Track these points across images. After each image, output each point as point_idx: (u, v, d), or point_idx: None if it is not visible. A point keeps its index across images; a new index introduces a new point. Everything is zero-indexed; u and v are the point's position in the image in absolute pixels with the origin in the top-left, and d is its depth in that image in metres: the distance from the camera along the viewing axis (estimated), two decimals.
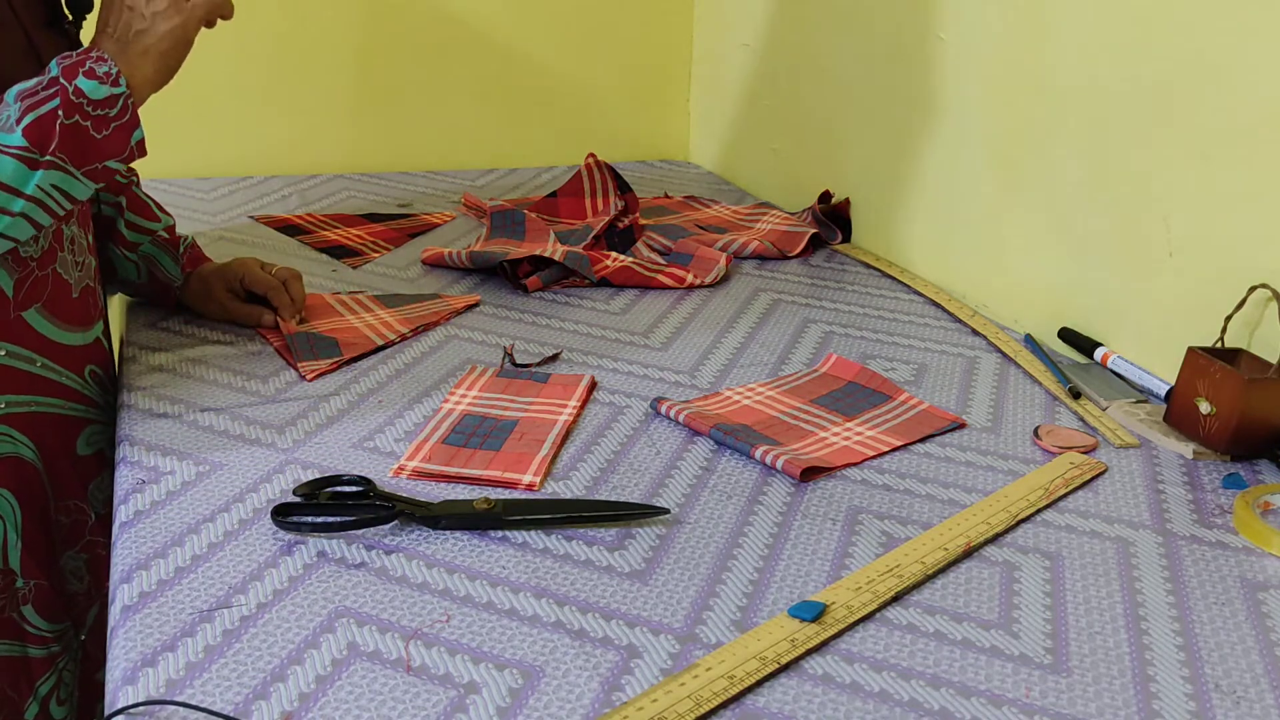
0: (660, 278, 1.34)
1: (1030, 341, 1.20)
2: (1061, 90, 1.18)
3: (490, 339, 1.16)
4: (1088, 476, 0.93)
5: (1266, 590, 0.79)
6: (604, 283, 1.34)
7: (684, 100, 2.01)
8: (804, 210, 1.59)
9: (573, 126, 1.95)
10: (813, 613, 0.72)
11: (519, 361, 1.11)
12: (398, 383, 1.05)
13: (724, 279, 1.38)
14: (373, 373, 1.07)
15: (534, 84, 1.90)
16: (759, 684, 0.67)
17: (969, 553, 0.82)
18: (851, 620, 0.73)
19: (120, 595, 0.73)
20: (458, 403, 1.01)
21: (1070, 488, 0.91)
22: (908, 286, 1.37)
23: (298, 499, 0.84)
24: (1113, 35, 1.11)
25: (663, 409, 1.01)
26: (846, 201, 1.54)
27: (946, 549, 0.81)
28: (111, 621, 0.72)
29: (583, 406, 1.02)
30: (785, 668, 0.68)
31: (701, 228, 1.55)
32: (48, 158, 0.87)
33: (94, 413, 1.05)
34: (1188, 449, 0.97)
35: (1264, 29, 0.95)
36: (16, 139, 0.86)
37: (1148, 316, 1.11)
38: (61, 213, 0.90)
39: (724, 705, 0.65)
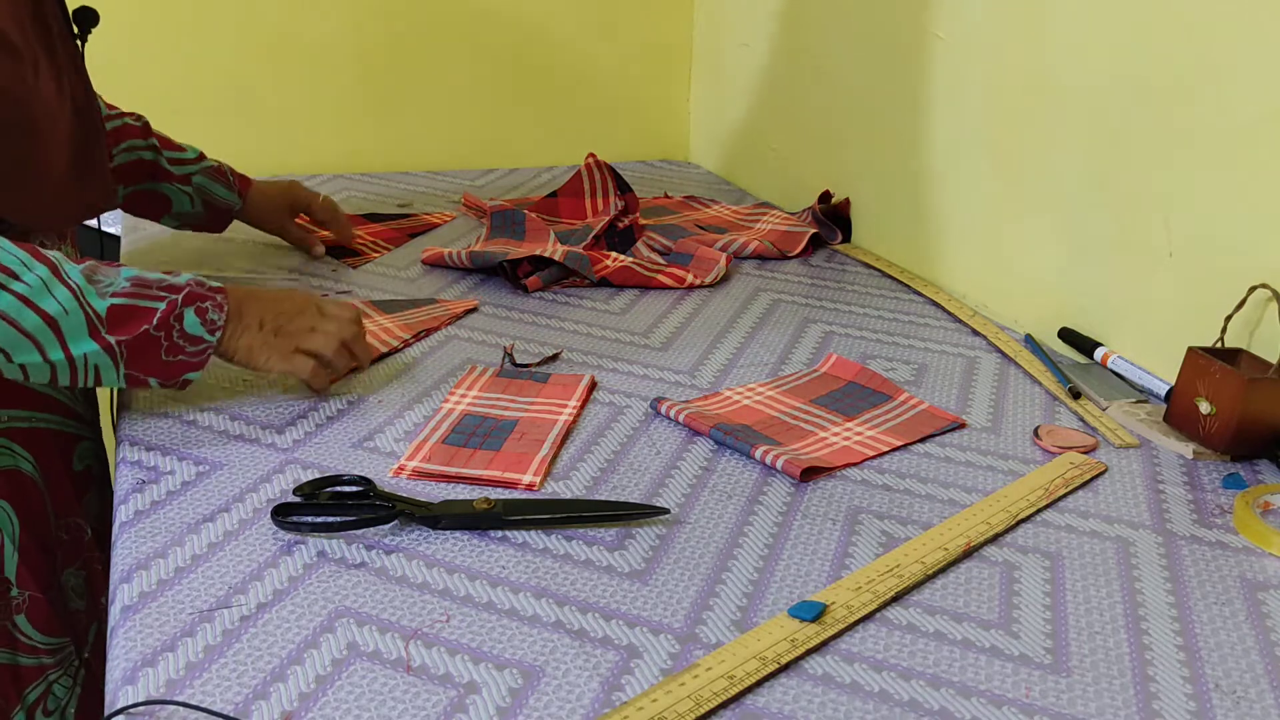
0: (660, 277, 1.34)
1: (1030, 341, 1.20)
2: (1061, 90, 1.18)
3: (490, 339, 1.16)
4: (1088, 476, 0.93)
5: (1266, 590, 0.79)
6: (604, 283, 1.34)
7: (684, 100, 2.01)
8: (804, 210, 1.59)
9: (573, 126, 1.95)
10: (813, 613, 0.72)
11: (519, 361, 1.11)
12: (398, 383, 1.05)
13: (724, 279, 1.38)
14: (373, 373, 1.07)
15: (534, 84, 1.90)
16: (759, 684, 0.67)
17: (969, 553, 0.82)
18: (851, 620, 0.73)
19: (120, 595, 0.73)
20: (458, 403, 1.01)
21: (1070, 488, 0.91)
22: (908, 286, 1.37)
23: (298, 499, 0.84)
24: (1113, 35, 1.11)
25: (663, 409, 1.01)
26: (846, 201, 1.55)
27: (946, 549, 0.81)
28: (111, 621, 0.72)
29: (583, 406, 1.02)
30: (785, 668, 0.68)
31: (701, 228, 1.55)
32: (111, 339, 0.87)
33: (84, 429, 1.07)
34: (1188, 449, 0.97)
35: (1264, 29, 0.95)
36: (100, 306, 0.86)
37: (1148, 316, 1.11)
38: (78, 386, 0.90)
39: (724, 705, 0.65)
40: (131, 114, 1.27)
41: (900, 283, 1.39)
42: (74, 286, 0.86)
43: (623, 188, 1.51)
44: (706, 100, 1.96)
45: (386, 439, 0.95)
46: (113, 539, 0.81)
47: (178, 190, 1.29)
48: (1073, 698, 0.67)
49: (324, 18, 1.75)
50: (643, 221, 1.50)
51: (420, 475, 0.88)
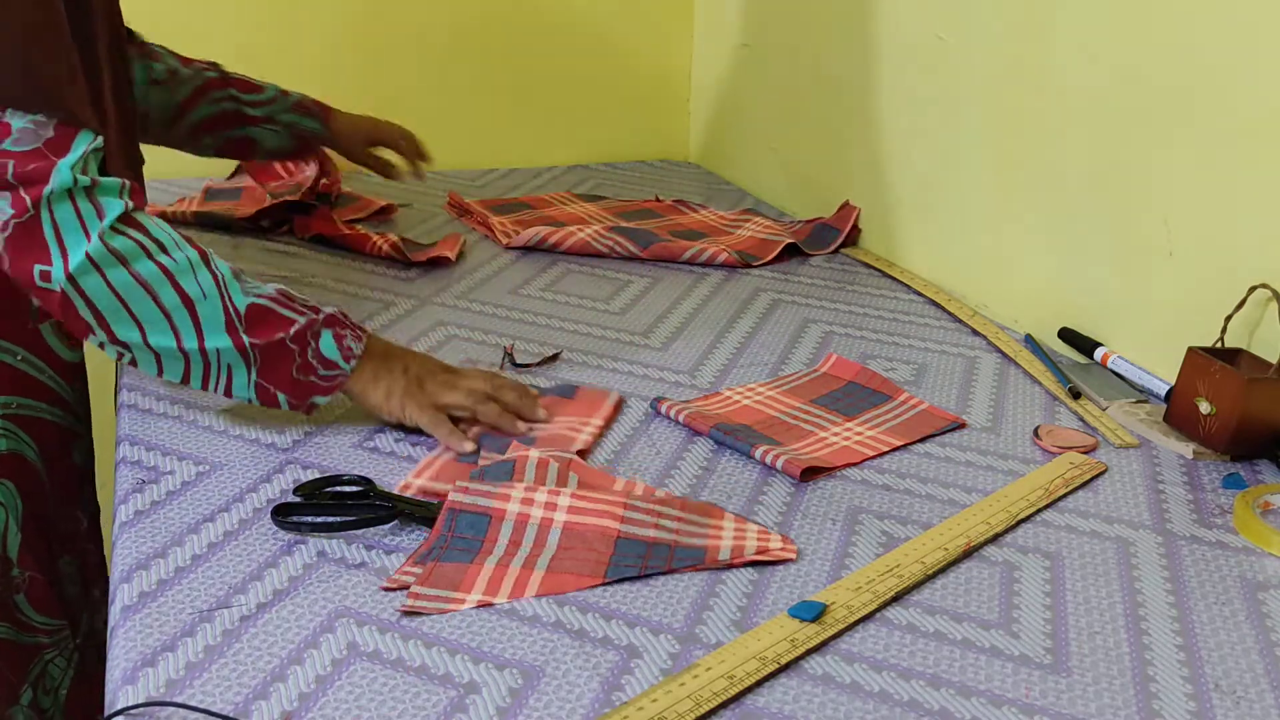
0: (372, 243, 1.39)
1: (1030, 341, 1.20)
2: (1061, 90, 1.18)
3: (490, 339, 1.16)
4: (1088, 476, 0.93)
5: (1266, 590, 0.79)
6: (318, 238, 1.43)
7: (684, 100, 2.01)
8: (793, 222, 1.57)
9: (573, 126, 1.94)
10: (813, 613, 0.72)
11: (519, 361, 1.11)
12: None
13: (724, 280, 1.37)
14: None
15: (534, 84, 1.89)
16: (759, 684, 0.67)
17: (969, 553, 0.82)
18: (851, 620, 0.73)
19: (120, 595, 0.73)
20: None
21: (1070, 488, 0.91)
22: (908, 286, 1.37)
23: (298, 499, 0.84)
24: (1113, 35, 1.11)
25: (663, 409, 1.01)
26: (849, 209, 1.53)
27: (946, 549, 0.81)
28: (111, 621, 0.72)
29: (606, 426, 0.98)
30: (785, 668, 0.68)
31: (675, 234, 1.50)
32: (246, 340, 0.87)
33: (80, 427, 1.08)
34: (1188, 449, 0.97)
35: (1264, 29, 0.95)
36: (241, 302, 0.87)
37: (1148, 316, 1.11)
38: (209, 387, 0.89)
39: (724, 705, 0.65)
40: (205, 63, 1.32)
41: (900, 283, 1.39)
42: (219, 276, 0.87)
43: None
44: (706, 100, 1.96)
45: (386, 439, 0.95)
46: (113, 539, 0.81)
47: (265, 130, 1.35)
48: (1073, 698, 0.67)
49: (322, 19, 1.75)
50: (624, 224, 1.51)
51: (426, 495, 0.85)
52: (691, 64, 1.99)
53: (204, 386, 0.89)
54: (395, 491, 0.86)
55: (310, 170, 1.57)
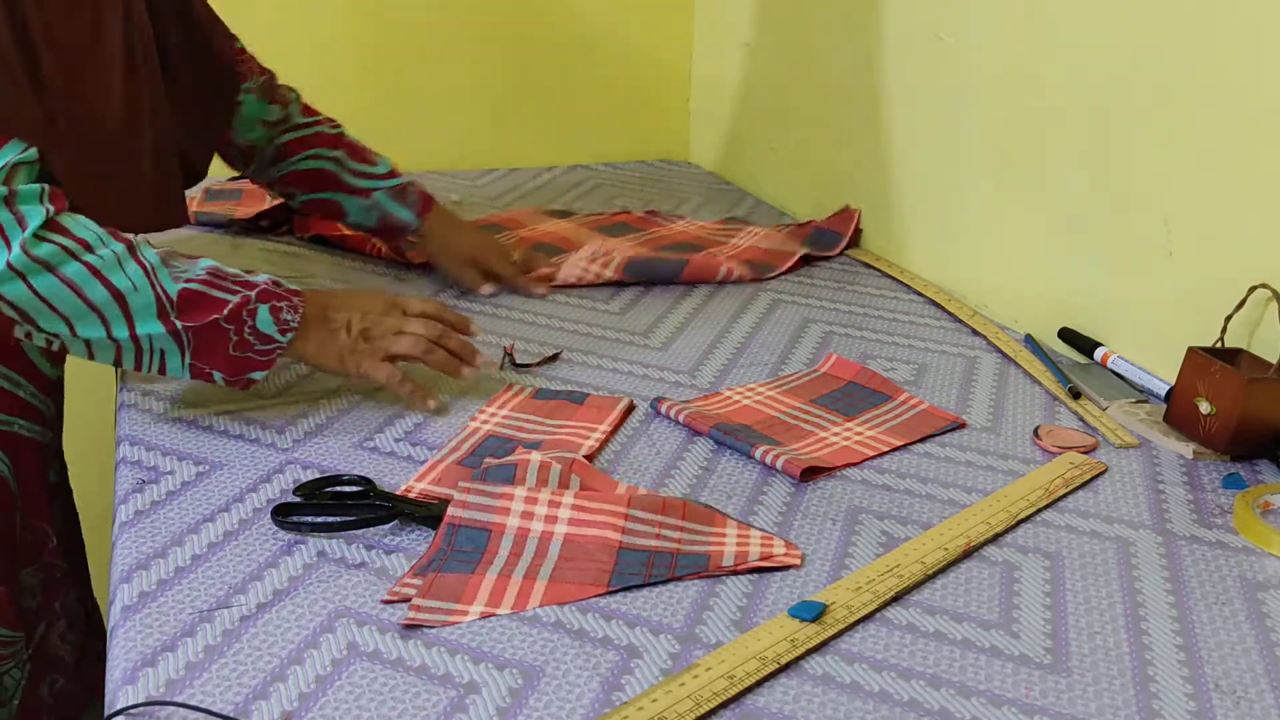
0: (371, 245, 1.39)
1: (1030, 341, 1.20)
2: (1061, 90, 1.17)
3: (490, 339, 1.16)
4: (1088, 476, 0.93)
5: (1266, 590, 0.79)
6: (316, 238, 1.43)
7: (684, 100, 2.01)
8: (787, 226, 1.54)
9: (573, 126, 1.94)
10: (813, 613, 0.72)
11: (519, 361, 1.11)
12: None
13: (724, 280, 1.37)
14: None
15: (534, 84, 1.89)
16: (759, 684, 0.67)
17: (969, 553, 0.82)
18: (851, 620, 0.73)
19: (120, 595, 0.73)
20: (484, 422, 0.98)
21: (1070, 488, 0.91)
22: (908, 286, 1.37)
23: (298, 499, 0.84)
24: (1113, 35, 1.11)
25: (663, 409, 1.01)
26: (849, 212, 1.52)
27: (946, 549, 0.81)
28: (111, 621, 0.72)
29: (613, 431, 0.98)
30: (785, 668, 0.68)
31: (672, 248, 1.44)
32: (179, 324, 0.88)
33: (56, 441, 1.08)
34: (1188, 449, 0.97)
35: (1264, 29, 0.95)
36: (172, 289, 0.87)
37: (1148, 316, 1.11)
38: (143, 369, 0.90)
39: (724, 705, 0.65)
40: (328, 120, 1.29)
41: (900, 283, 1.39)
42: (147, 266, 0.87)
43: None
44: (706, 100, 1.96)
45: (386, 439, 0.95)
46: (113, 539, 0.81)
47: (356, 204, 1.27)
48: (1073, 698, 0.67)
49: (323, 18, 1.75)
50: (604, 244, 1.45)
51: (428, 499, 0.85)
52: (691, 64, 1.99)
53: (136, 368, 0.90)
54: (396, 493, 0.86)
55: None
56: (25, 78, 0.87)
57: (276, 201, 1.47)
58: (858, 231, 1.51)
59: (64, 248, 0.84)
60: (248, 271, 0.93)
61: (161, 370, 0.90)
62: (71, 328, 0.86)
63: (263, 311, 0.90)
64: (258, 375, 0.92)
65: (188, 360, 0.89)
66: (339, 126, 1.29)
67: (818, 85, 1.61)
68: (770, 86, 1.75)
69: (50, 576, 1.07)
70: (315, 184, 1.27)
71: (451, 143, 1.88)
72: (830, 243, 1.48)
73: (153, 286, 0.87)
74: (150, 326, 0.87)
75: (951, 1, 1.32)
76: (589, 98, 1.94)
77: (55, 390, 1.06)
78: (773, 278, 1.39)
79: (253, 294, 0.90)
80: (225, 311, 0.89)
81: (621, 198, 1.73)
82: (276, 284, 0.93)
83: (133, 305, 0.86)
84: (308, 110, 1.28)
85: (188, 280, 0.88)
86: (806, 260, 1.45)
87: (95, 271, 0.85)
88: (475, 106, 1.87)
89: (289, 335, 0.92)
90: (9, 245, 0.83)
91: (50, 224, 0.84)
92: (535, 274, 1.33)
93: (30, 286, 0.84)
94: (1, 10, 0.85)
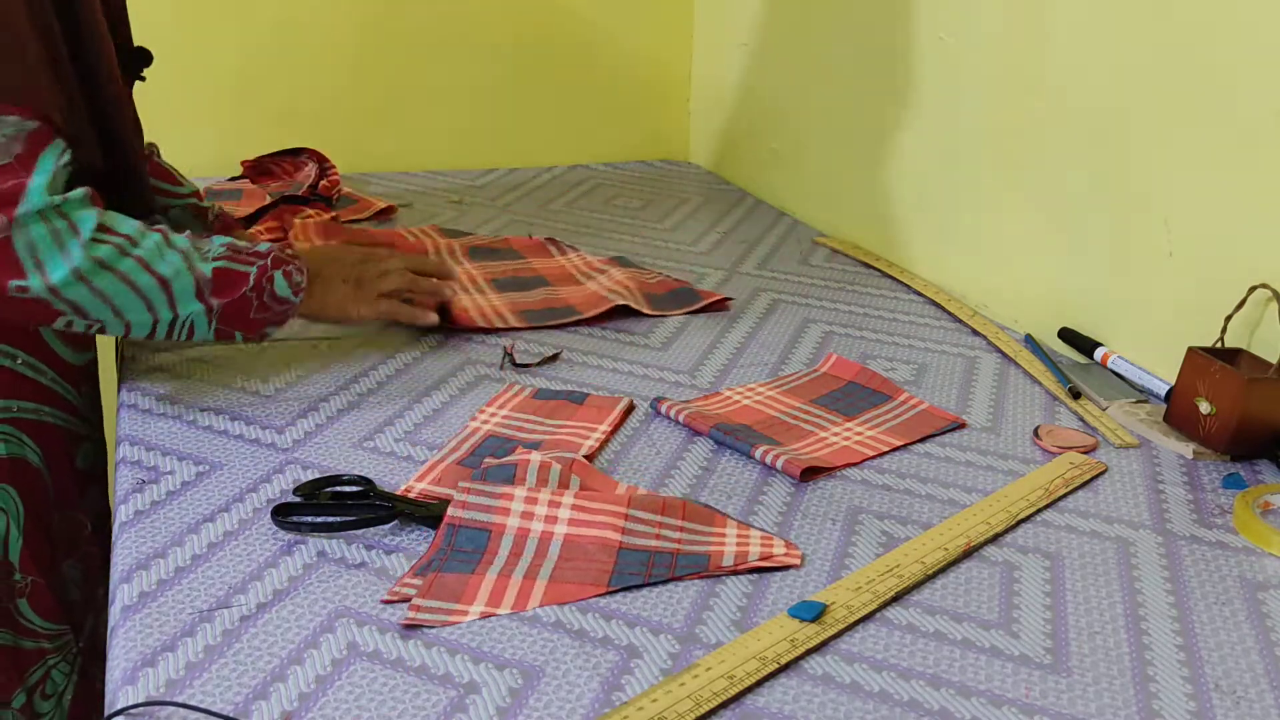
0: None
1: (1030, 341, 1.20)
2: (1061, 90, 1.18)
3: (490, 339, 1.16)
4: (1088, 476, 0.93)
5: (1266, 590, 0.79)
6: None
7: (684, 100, 2.01)
8: (658, 276, 1.35)
9: (573, 126, 1.95)
10: (813, 613, 0.72)
11: (519, 361, 1.11)
12: (397, 382, 1.05)
13: (724, 280, 1.38)
14: (373, 372, 1.07)
15: (534, 84, 1.89)
16: (759, 684, 0.67)
17: (969, 553, 0.82)
18: (851, 620, 0.73)
19: (120, 595, 0.73)
20: (485, 422, 0.98)
21: (1070, 488, 0.91)
22: (908, 286, 1.37)
23: (298, 499, 0.84)
24: (1113, 36, 1.11)
25: (663, 409, 1.01)
26: (722, 299, 1.30)
27: (946, 549, 0.81)
28: (111, 621, 0.72)
29: (614, 431, 0.98)
30: (785, 668, 0.68)
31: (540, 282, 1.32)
32: (214, 302, 0.94)
33: (87, 429, 1.08)
34: (1188, 449, 0.97)
35: (1264, 29, 0.95)
36: (206, 270, 0.94)
37: (1148, 316, 1.11)
38: (172, 338, 0.95)
39: (724, 705, 0.65)
40: (146, 144, 1.23)
41: (900, 283, 1.39)
42: (182, 250, 0.93)
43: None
44: (706, 100, 1.96)
45: (386, 439, 0.95)
46: (113, 539, 0.81)
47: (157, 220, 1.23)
48: (1073, 698, 0.67)
49: (323, 17, 1.75)
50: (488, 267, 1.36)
51: (428, 499, 0.85)
52: (691, 64, 1.99)
53: (167, 338, 0.95)
54: (396, 493, 0.86)
55: (310, 170, 1.57)
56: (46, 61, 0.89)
57: (276, 201, 1.47)
58: (721, 305, 1.29)
59: (118, 247, 0.89)
60: (250, 240, 1.00)
61: (189, 337, 0.95)
62: (120, 315, 0.91)
63: (278, 277, 0.98)
64: (271, 330, 1.00)
65: (214, 325, 0.95)
66: (153, 147, 1.21)
67: (818, 85, 1.61)
68: (770, 86, 1.75)
69: (90, 565, 1.08)
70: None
71: (452, 143, 1.88)
72: (686, 301, 1.29)
73: (191, 270, 0.92)
74: (190, 306, 0.93)
75: (952, 1, 1.32)
76: (589, 98, 1.94)
77: (80, 375, 1.06)
78: (574, 323, 1.22)
79: (267, 262, 0.97)
80: (250, 283, 0.96)
81: (621, 198, 1.73)
82: (282, 248, 1.01)
83: (175, 289, 0.92)
84: None
85: (215, 259, 0.94)
86: (630, 313, 1.24)
87: (143, 263, 0.90)
88: (475, 106, 1.87)
89: (301, 295, 1.00)
90: (69, 252, 0.87)
91: (100, 226, 0.89)
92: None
93: (91, 287, 0.88)
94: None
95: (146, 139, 1.23)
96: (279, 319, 0.99)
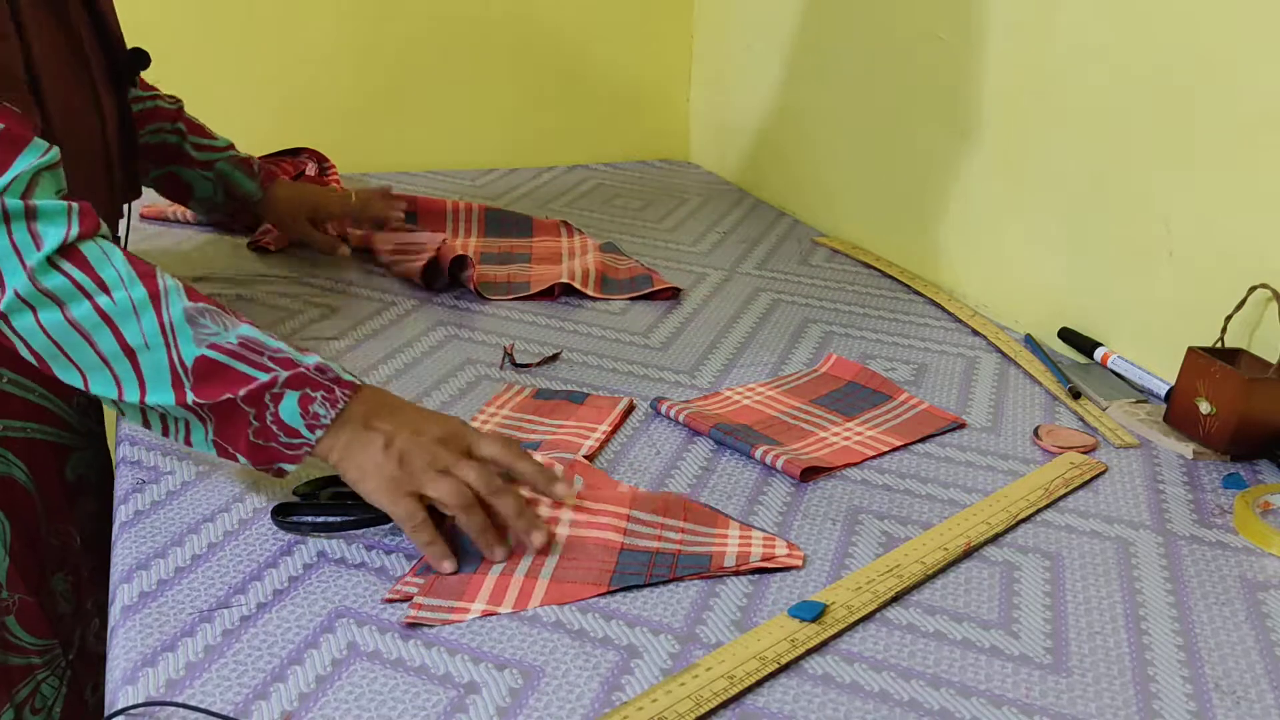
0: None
1: (1030, 341, 1.20)
2: (1062, 90, 1.18)
3: (490, 339, 1.16)
4: (1088, 476, 0.93)
5: (1266, 590, 0.79)
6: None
7: (684, 100, 2.01)
8: (630, 262, 1.39)
9: (573, 127, 1.95)
10: (813, 613, 0.72)
11: (519, 361, 1.11)
12: (397, 382, 1.05)
13: (724, 280, 1.38)
14: (373, 373, 1.07)
15: (534, 84, 1.90)
16: (759, 684, 0.67)
17: (969, 553, 0.82)
18: (851, 620, 0.73)
19: (120, 595, 0.73)
20: (484, 422, 0.98)
21: (1070, 488, 0.91)
22: (908, 286, 1.37)
23: (298, 499, 0.84)
24: (1113, 36, 1.11)
25: (663, 409, 1.01)
26: (671, 288, 1.32)
27: (946, 549, 0.81)
28: (111, 621, 0.72)
29: (614, 431, 0.97)
30: (785, 668, 0.68)
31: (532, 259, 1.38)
32: (191, 399, 0.75)
33: (79, 440, 1.07)
34: (1188, 449, 0.97)
35: (1264, 29, 0.95)
36: (190, 355, 0.75)
37: (1148, 316, 1.11)
38: (170, 438, 0.79)
39: (724, 705, 0.65)
40: (168, 96, 1.28)
41: (900, 283, 1.39)
42: (167, 321, 0.75)
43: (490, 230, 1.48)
44: (706, 100, 1.96)
45: None
46: (113, 539, 0.81)
47: (199, 176, 1.28)
48: (1073, 698, 0.67)
49: (324, 18, 1.75)
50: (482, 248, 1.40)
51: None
52: (691, 64, 1.99)
53: (165, 436, 0.80)
54: None
55: (309, 170, 1.57)
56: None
57: None
58: (669, 293, 1.31)
59: (76, 282, 0.74)
60: (302, 349, 0.79)
61: (188, 442, 0.79)
62: (86, 381, 0.76)
63: (289, 399, 0.76)
64: (288, 467, 0.78)
65: (210, 435, 0.78)
66: (178, 101, 1.28)
67: (818, 85, 1.61)
68: (770, 86, 1.75)
69: (79, 578, 1.07)
70: (159, 158, 1.26)
71: (451, 143, 1.88)
72: (638, 287, 1.32)
73: (167, 347, 0.75)
74: (161, 395, 0.76)
75: (951, 1, 1.32)
76: (589, 98, 1.94)
77: (66, 389, 1.03)
78: (528, 298, 1.27)
79: (284, 376, 0.76)
80: (242, 392, 0.75)
81: (621, 198, 1.73)
82: (322, 369, 0.78)
83: (144, 365, 0.75)
84: (144, 84, 1.27)
85: (211, 345, 0.76)
86: (571, 291, 1.30)
87: (105, 317, 0.74)
88: (475, 106, 1.87)
89: (318, 433, 0.77)
90: (22, 269, 0.73)
91: (68, 250, 0.74)
92: (382, 190, 1.40)
93: (39, 322, 0.74)
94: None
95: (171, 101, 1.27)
96: (292, 455, 0.77)
